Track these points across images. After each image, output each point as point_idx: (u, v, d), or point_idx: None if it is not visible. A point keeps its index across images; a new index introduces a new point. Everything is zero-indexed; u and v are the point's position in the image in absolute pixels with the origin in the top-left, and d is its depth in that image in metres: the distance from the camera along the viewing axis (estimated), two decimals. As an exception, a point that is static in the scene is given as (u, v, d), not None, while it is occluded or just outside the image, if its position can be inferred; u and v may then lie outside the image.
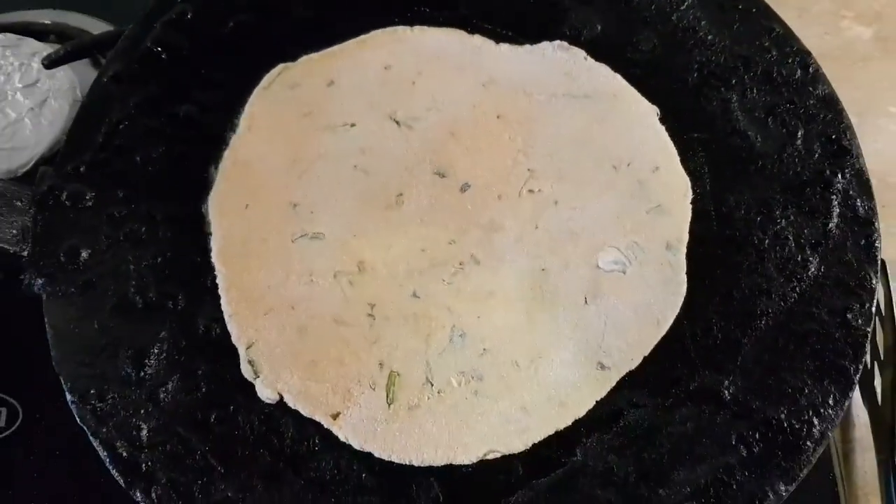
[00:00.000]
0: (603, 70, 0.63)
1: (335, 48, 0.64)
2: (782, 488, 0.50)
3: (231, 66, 0.63)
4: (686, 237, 0.58)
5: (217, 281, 0.56)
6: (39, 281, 0.55)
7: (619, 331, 0.55)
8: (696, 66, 0.63)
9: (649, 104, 0.62)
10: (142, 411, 0.52)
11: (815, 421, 0.52)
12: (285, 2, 0.65)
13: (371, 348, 0.55)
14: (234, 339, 0.54)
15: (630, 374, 0.54)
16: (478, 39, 0.64)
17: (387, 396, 0.53)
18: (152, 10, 0.64)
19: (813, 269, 0.56)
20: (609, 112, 0.62)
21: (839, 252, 0.56)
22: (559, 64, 0.63)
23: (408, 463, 0.52)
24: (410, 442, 0.52)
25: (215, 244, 0.57)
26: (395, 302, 0.56)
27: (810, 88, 0.62)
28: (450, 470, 0.52)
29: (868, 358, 0.69)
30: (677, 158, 0.60)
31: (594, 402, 0.53)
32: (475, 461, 0.52)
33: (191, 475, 0.50)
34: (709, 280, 0.56)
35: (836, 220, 0.57)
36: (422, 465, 0.52)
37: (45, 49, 0.76)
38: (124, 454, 0.51)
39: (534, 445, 0.52)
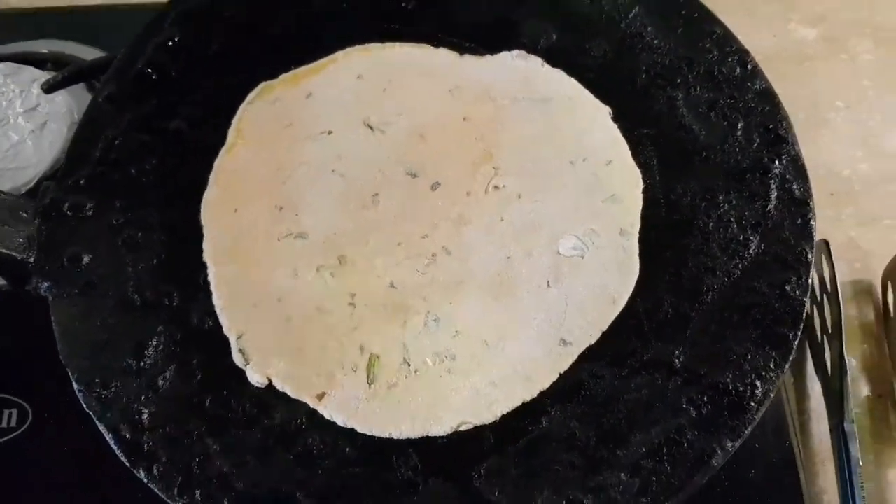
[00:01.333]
0: (559, 75, 0.68)
1: (312, 65, 0.70)
2: (729, 445, 0.54)
3: (216, 84, 0.68)
4: (638, 223, 0.63)
5: (209, 278, 0.61)
6: (45, 284, 0.60)
7: (579, 310, 0.60)
8: (643, 69, 0.68)
9: (602, 104, 0.67)
10: (142, 398, 0.56)
11: (758, 383, 0.56)
12: (264, 25, 0.71)
13: (352, 334, 0.59)
14: (225, 331, 0.59)
15: (590, 348, 0.58)
16: (443, 52, 0.70)
17: (367, 377, 0.58)
18: (142, 36, 0.69)
19: (754, 248, 0.61)
20: (566, 113, 0.67)
21: (777, 231, 0.61)
22: (519, 71, 0.69)
23: (387, 436, 0.56)
24: (389, 417, 0.57)
25: (207, 245, 0.62)
26: (374, 291, 0.61)
27: (749, 84, 0.67)
28: (427, 441, 0.56)
29: (819, 333, 0.74)
30: (629, 153, 0.65)
31: (557, 375, 0.58)
32: (449, 432, 0.56)
33: (189, 454, 0.55)
34: (659, 261, 0.61)
35: (774, 202, 0.62)
36: (400, 438, 0.56)
37: (44, 76, 0.81)
38: (127, 436, 0.55)
39: (503, 416, 0.56)
